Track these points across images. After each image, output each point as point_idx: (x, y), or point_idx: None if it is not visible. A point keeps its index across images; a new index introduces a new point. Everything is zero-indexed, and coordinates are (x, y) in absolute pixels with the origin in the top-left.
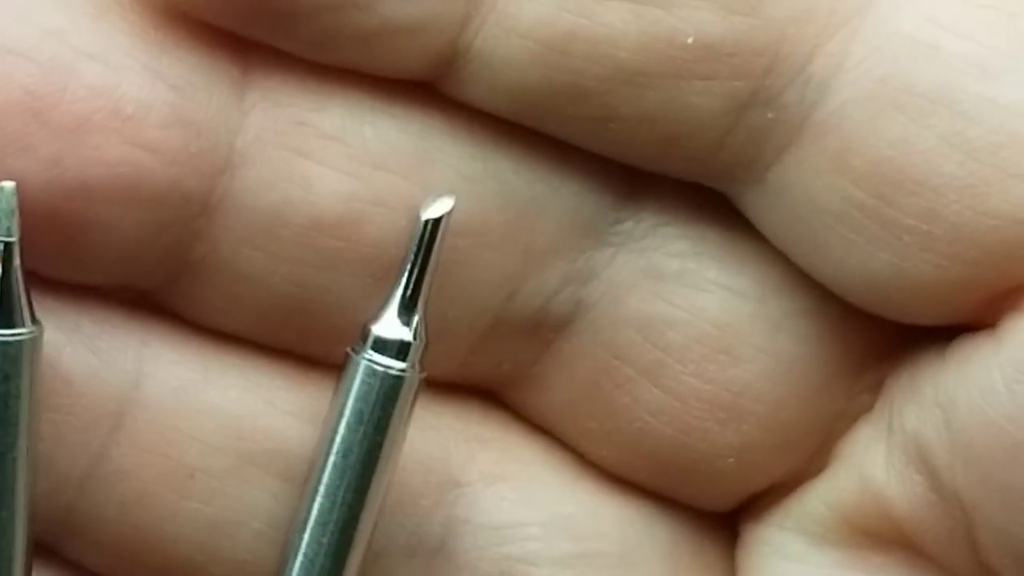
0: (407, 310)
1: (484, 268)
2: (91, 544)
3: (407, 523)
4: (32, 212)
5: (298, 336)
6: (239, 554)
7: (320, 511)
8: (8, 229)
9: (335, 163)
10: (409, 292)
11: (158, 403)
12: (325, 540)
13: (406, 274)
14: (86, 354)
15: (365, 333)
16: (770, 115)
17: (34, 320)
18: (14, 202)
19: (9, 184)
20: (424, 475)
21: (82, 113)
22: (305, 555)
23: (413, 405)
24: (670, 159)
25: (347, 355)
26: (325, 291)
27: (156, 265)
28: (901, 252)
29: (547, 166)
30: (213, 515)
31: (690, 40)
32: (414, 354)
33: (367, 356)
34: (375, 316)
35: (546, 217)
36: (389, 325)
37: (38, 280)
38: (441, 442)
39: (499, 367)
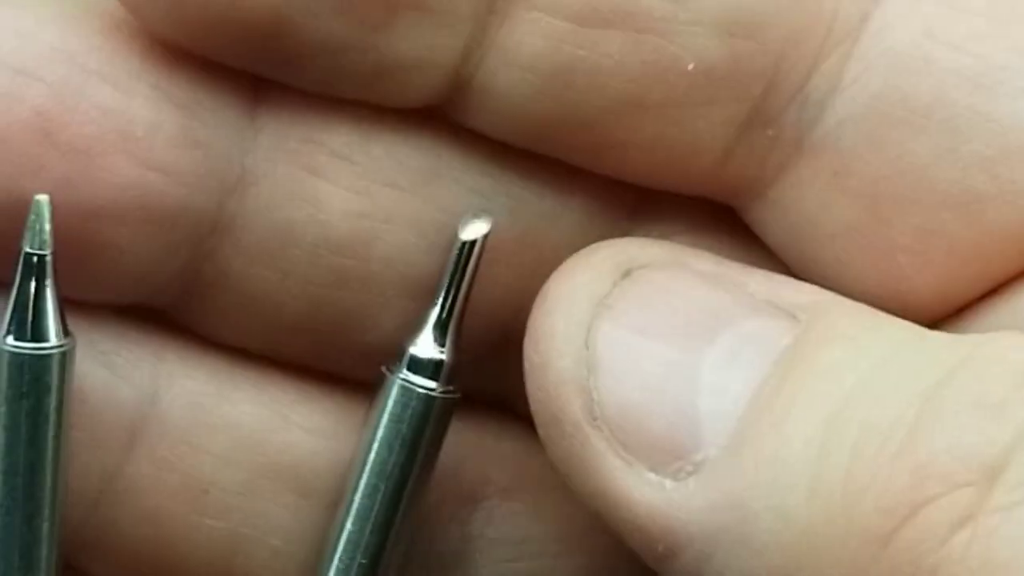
0: (442, 330)
1: (494, 282)
2: (106, 559)
3: (423, 538)
4: None
5: (310, 353)
6: (254, 570)
7: (352, 528)
8: (43, 243)
9: (344, 181)
10: (445, 312)
11: (173, 419)
12: (359, 555)
13: (442, 294)
14: (102, 370)
15: (401, 353)
16: (770, 133)
17: (67, 333)
18: (48, 215)
19: (43, 196)
20: (439, 490)
21: (92, 134)
22: (338, 569)
23: (447, 425)
24: (673, 179)
25: (382, 374)
26: (336, 309)
27: (168, 284)
28: (897, 273)
29: (556, 181)
30: (228, 531)
31: (690, 67)
32: (449, 374)
33: (402, 376)
34: (411, 336)
35: (556, 231)
36: (424, 345)
37: None
38: (456, 457)
39: (511, 379)
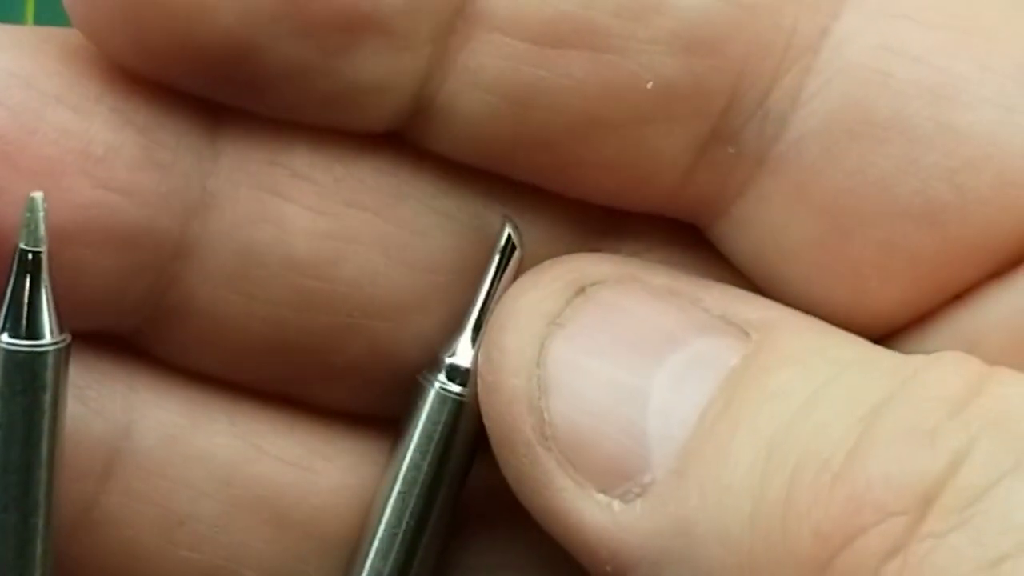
0: (480, 337)
1: (464, 305)
2: None
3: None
4: (3, 256)
5: (280, 378)
6: None
7: (384, 530)
8: (38, 239)
9: (308, 202)
10: (482, 320)
11: (147, 451)
12: (389, 560)
13: (480, 301)
14: (75, 405)
15: (437, 361)
16: (731, 150)
17: (62, 330)
18: (42, 212)
19: (38, 194)
20: None
21: (52, 156)
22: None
23: (482, 432)
24: (636, 198)
25: (418, 382)
26: (304, 332)
27: (133, 309)
28: (860, 286)
29: (521, 200)
30: (204, 563)
31: (650, 84)
32: None
33: (438, 382)
34: (447, 344)
35: (523, 249)
36: (461, 353)
37: None
38: None
39: None
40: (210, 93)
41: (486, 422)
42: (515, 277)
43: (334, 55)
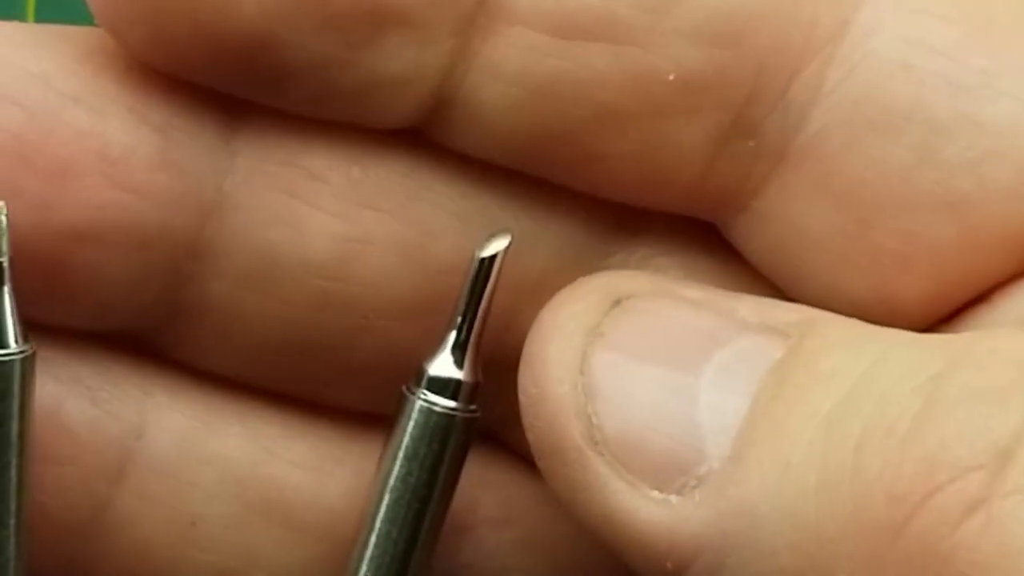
0: (462, 348)
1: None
2: None
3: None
4: (20, 256)
5: (294, 378)
6: None
7: (375, 549)
8: (0, 250)
9: (324, 203)
10: (464, 331)
11: (160, 452)
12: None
13: (461, 313)
14: (88, 406)
15: (420, 372)
16: (752, 143)
17: (26, 340)
18: (4, 221)
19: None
20: None
21: (68, 157)
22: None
23: (468, 444)
24: (656, 193)
25: (402, 395)
26: (318, 332)
27: (147, 309)
28: (883, 277)
29: (535, 202)
30: (215, 563)
31: (671, 76)
32: (468, 393)
33: (422, 396)
34: (430, 355)
35: (536, 252)
36: (444, 364)
37: (35, 329)
38: None
39: (497, 407)
40: (231, 88)
41: (531, 434)
42: (496, 284)
43: (357, 48)
